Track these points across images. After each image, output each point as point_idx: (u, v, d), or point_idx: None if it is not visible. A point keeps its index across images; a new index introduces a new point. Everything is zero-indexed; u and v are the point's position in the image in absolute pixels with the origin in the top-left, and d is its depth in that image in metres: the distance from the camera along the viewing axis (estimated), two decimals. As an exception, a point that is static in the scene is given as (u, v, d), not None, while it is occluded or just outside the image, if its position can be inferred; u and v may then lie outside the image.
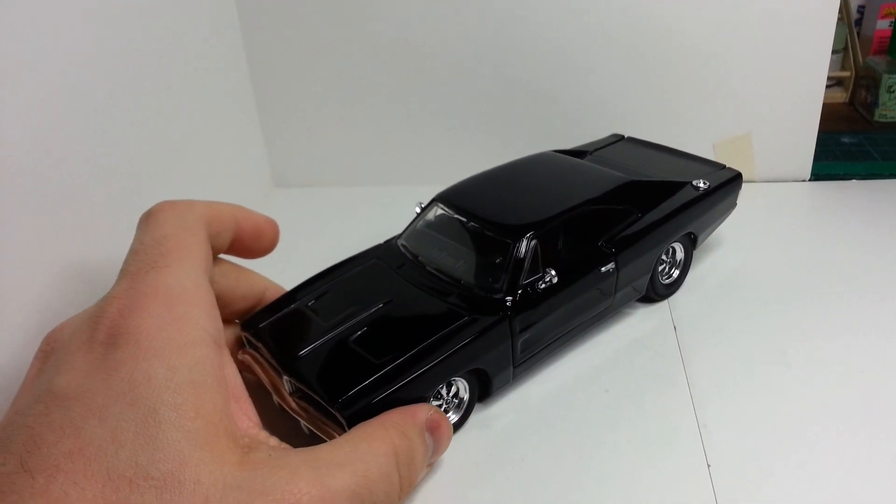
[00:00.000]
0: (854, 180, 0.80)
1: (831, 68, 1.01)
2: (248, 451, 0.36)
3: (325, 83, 0.80)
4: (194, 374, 0.35)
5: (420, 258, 0.55)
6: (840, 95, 1.03)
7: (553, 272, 0.51)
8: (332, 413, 0.44)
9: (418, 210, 0.59)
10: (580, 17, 0.74)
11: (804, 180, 0.80)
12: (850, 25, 1.02)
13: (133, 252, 0.41)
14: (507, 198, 0.56)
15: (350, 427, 0.43)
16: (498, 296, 0.50)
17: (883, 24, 1.01)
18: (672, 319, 0.59)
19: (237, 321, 0.53)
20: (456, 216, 0.56)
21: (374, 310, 0.50)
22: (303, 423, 0.47)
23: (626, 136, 0.73)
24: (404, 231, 0.59)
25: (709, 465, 0.46)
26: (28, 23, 0.49)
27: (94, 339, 0.36)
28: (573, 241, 0.54)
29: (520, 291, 0.50)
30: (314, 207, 0.82)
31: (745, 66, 0.75)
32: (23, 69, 0.49)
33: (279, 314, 0.52)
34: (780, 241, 0.69)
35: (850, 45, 1.01)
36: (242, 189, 0.80)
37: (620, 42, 0.75)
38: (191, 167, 0.71)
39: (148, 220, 0.43)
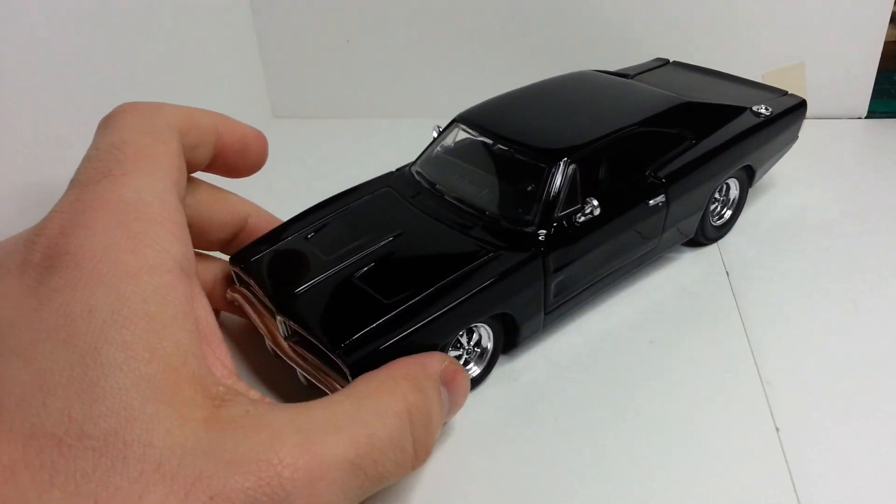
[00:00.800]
0: (914, 118, 0.73)
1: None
2: (221, 404, 0.28)
3: (326, 8, 0.72)
4: (150, 305, 0.27)
5: (438, 186, 0.48)
6: (892, 32, 0.95)
7: (595, 202, 0.43)
8: (333, 360, 0.37)
9: (435, 134, 0.51)
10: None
11: (860, 118, 0.73)
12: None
13: (86, 159, 0.33)
14: (541, 118, 0.48)
15: (354, 377, 0.35)
16: (529, 229, 0.43)
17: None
18: (724, 264, 0.52)
19: (223, 254, 0.46)
20: (480, 138, 0.48)
21: (383, 243, 0.43)
22: (299, 372, 0.40)
23: (671, 60, 0.65)
24: (419, 157, 0.51)
25: (777, 429, 0.39)
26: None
27: (28, 261, 0.28)
28: (618, 168, 0.46)
29: (555, 225, 0.43)
30: (315, 140, 0.75)
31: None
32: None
33: (274, 247, 0.44)
34: (837, 181, 0.62)
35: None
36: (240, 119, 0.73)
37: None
38: (187, 95, 0.64)
39: (107, 123, 0.35)
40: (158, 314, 0.28)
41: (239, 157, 0.42)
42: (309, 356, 0.39)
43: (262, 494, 0.25)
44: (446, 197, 0.47)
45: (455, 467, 0.38)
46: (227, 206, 0.44)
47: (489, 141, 0.47)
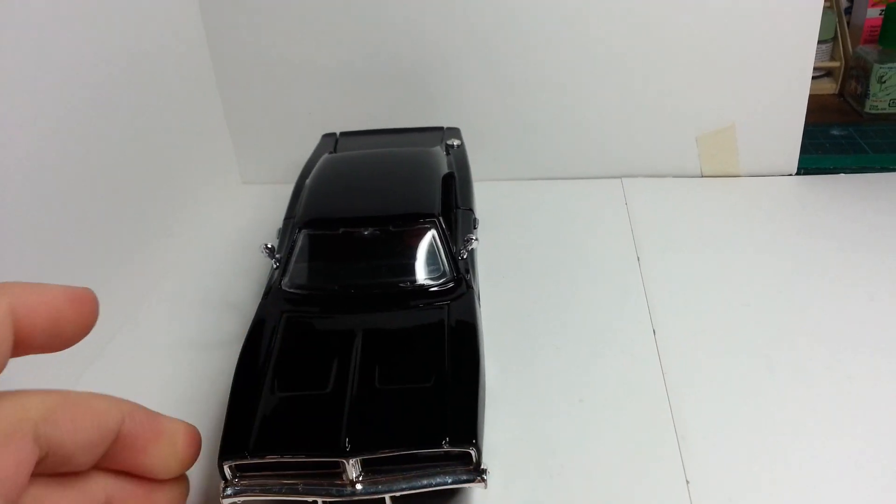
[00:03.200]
0: (843, 174, 0.77)
1: (820, 58, 0.98)
2: None
3: (292, 78, 0.77)
4: None
5: (334, 287, 0.49)
6: (829, 87, 1.00)
7: (474, 236, 0.51)
8: (442, 459, 0.39)
9: (266, 252, 0.51)
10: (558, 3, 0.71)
11: (791, 174, 0.77)
12: (840, 14, 0.99)
13: None
14: (373, 194, 0.54)
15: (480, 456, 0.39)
16: (451, 276, 0.49)
17: (874, 13, 0.98)
18: (651, 322, 0.56)
19: (221, 460, 0.39)
20: (339, 231, 0.50)
21: (358, 350, 0.43)
22: (388, 498, 0.39)
23: (338, 133, 0.73)
24: (279, 278, 0.50)
25: (688, 482, 0.43)
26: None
27: None
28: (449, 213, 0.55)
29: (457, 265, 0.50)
30: (284, 205, 0.79)
31: (728, 57, 0.72)
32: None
33: (260, 417, 0.40)
34: (765, 239, 0.66)
35: (839, 34, 0.98)
36: (210, 186, 0.77)
37: (597, 31, 0.72)
38: (158, 166, 0.68)
39: None
40: None
41: (51, 337, 0.33)
42: (401, 476, 0.39)
43: None
44: (353, 291, 0.48)
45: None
46: (89, 422, 0.32)
47: (352, 229, 0.50)
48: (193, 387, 0.53)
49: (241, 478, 0.39)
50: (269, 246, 0.51)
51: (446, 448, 0.38)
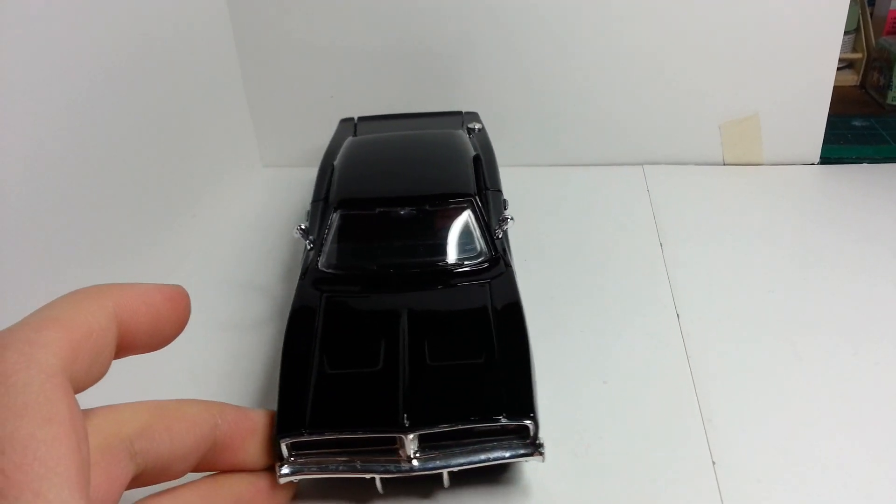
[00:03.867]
0: (865, 164, 0.77)
1: (843, 50, 0.98)
2: None
3: (313, 62, 0.77)
4: None
5: (373, 267, 0.49)
6: (851, 78, 1.00)
7: (508, 214, 0.51)
8: (501, 432, 0.39)
9: (299, 235, 0.50)
10: (582, -8, 0.71)
11: (813, 164, 0.77)
12: (863, 5, 0.98)
13: None
14: (403, 177, 0.54)
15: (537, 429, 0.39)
16: (488, 255, 0.49)
17: (897, 4, 0.97)
18: (675, 307, 0.56)
19: (279, 437, 0.38)
20: (379, 210, 0.50)
21: (406, 329, 0.43)
22: (446, 473, 0.40)
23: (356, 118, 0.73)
24: (313, 260, 0.49)
25: (714, 463, 0.43)
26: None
27: None
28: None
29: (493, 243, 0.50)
30: (304, 188, 0.79)
31: (753, 46, 0.72)
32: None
33: (315, 396, 0.40)
34: (788, 227, 0.66)
35: (862, 25, 0.98)
36: (232, 169, 0.77)
37: (621, 17, 0.72)
38: (180, 148, 0.69)
39: None
40: None
41: (151, 338, 0.33)
42: (457, 451, 0.39)
43: None
44: (393, 270, 0.48)
45: None
46: (184, 431, 0.33)
47: (388, 209, 0.50)
48: (225, 369, 0.53)
49: (297, 456, 0.39)
50: (304, 227, 0.50)
51: (504, 422, 0.38)
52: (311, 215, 0.55)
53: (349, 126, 0.71)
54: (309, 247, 0.51)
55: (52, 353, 0.26)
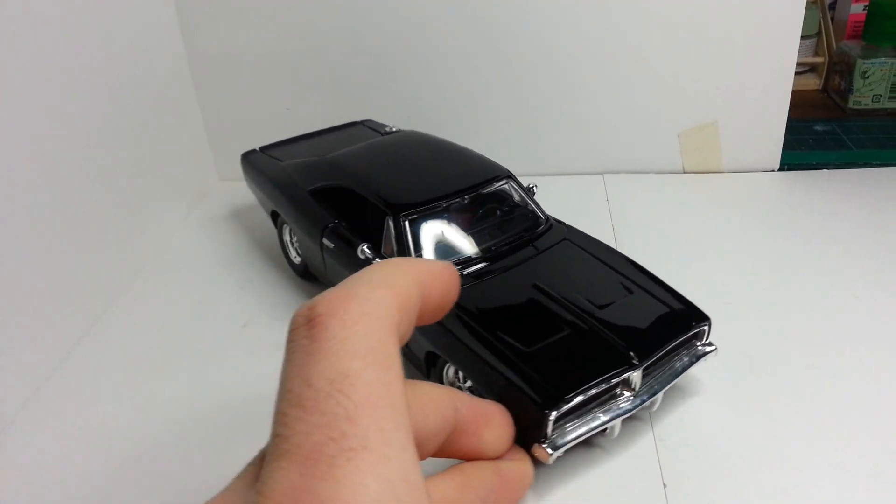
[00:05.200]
0: (825, 170, 0.77)
1: (804, 54, 0.98)
2: None
3: (267, 75, 0.76)
4: None
5: (473, 255, 0.50)
6: (813, 82, 1.00)
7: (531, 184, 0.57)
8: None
9: (368, 254, 0.50)
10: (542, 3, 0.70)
11: (773, 170, 0.77)
12: (824, 9, 0.98)
13: (294, 402, 0.24)
14: (430, 173, 0.55)
15: None
16: (543, 218, 0.54)
17: (857, 8, 0.97)
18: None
19: (544, 413, 0.39)
20: (442, 206, 0.51)
21: (550, 294, 0.46)
22: (660, 397, 0.44)
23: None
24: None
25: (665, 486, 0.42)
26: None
27: None
28: None
29: None
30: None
31: (711, 53, 0.72)
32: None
33: (539, 374, 0.41)
34: (747, 234, 0.66)
35: (823, 29, 0.98)
36: (187, 183, 0.76)
37: (579, 30, 0.71)
38: (137, 166, 0.67)
39: (313, 335, 0.26)
40: None
41: (437, 310, 0.34)
42: (663, 372, 0.45)
43: None
44: (491, 252, 0.51)
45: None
46: (434, 410, 0.34)
47: (447, 202, 0.51)
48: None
49: (554, 431, 0.40)
50: (368, 247, 0.50)
51: (697, 329, 0.45)
52: (322, 235, 0.55)
53: (255, 157, 0.68)
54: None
55: (388, 309, 0.28)
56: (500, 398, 0.40)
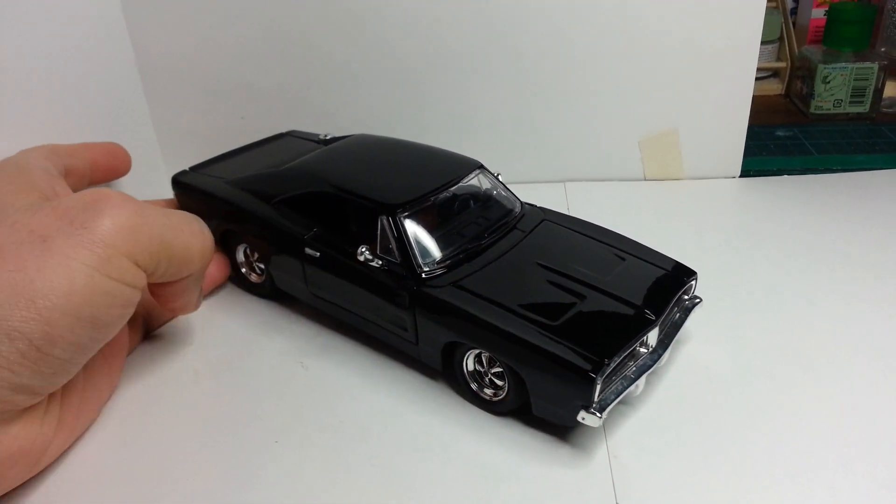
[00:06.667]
0: (786, 176, 0.77)
1: (766, 59, 0.98)
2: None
3: (221, 90, 0.75)
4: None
5: (470, 245, 0.51)
6: (776, 87, 1.00)
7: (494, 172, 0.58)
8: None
9: (367, 255, 0.50)
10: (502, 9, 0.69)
11: (734, 177, 0.76)
12: (786, 14, 0.98)
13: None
14: (406, 172, 0.55)
15: None
16: (519, 201, 0.57)
17: (819, 13, 0.98)
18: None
19: (594, 377, 0.42)
20: (433, 200, 0.52)
21: (553, 272, 0.49)
22: (668, 353, 0.48)
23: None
24: (410, 271, 0.49)
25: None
26: None
27: None
28: None
29: None
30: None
31: (671, 60, 0.71)
32: None
33: (573, 343, 0.43)
34: (707, 242, 0.65)
35: (785, 34, 0.98)
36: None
37: (538, 38, 0.71)
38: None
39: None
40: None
41: (111, 170, 0.60)
42: (669, 326, 0.50)
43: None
44: (485, 239, 0.52)
45: None
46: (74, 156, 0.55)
47: (437, 196, 0.52)
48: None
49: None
50: (365, 249, 0.50)
51: (687, 283, 0.50)
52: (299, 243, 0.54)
53: (191, 177, 0.64)
54: (378, 263, 0.49)
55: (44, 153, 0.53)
56: (538, 371, 0.43)
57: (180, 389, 0.51)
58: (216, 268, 0.60)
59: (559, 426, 0.46)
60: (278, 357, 0.53)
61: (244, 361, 0.53)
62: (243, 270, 0.61)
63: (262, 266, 0.59)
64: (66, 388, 0.44)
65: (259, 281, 0.60)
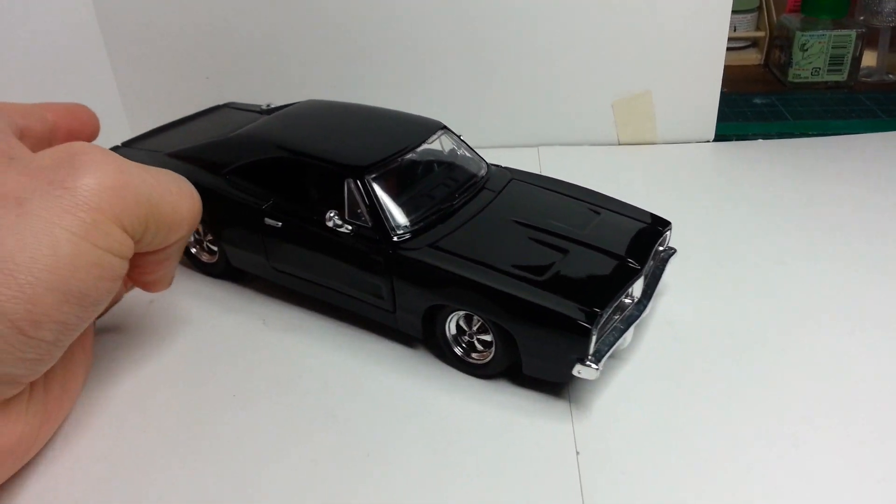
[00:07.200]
0: (760, 140, 0.76)
1: (745, 28, 0.97)
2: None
3: (185, 48, 0.73)
4: None
5: (443, 206, 0.50)
6: (755, 57, 0.99)
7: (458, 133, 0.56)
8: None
9: (337, 220, 0.48)
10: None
11: (708, 141, 0.76)
12: (764, -17, 0.97)
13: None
14: (367, 135, 0.53)
15: None
16: (484, 161, 0.56)
17: (797, -18, 0.97)
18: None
19: (590, 329, 0.41)
20: (401, 161, 0.50)
21: (533, 228, 0.48)
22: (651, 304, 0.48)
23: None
24: (383, 234, 0.47)
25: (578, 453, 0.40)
26: None
27: None
28: None
29: None
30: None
31: (644, 22, 0.70)
32: None
33: (563, 295, 0.42)
34: (680, 205, 0.64)
35: (763, 3, 0.97)
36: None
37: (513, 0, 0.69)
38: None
39: None
40: None
41: (73, 136, 0.47)
42: (650, 278, 0.49)
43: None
44: (456, 200, 0.50)
45: None
46: (33, 115, 0.45)
47: (403, 158, 0.50)
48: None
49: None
50: (334, 213, 0.47)
51: (663, 232, 0.50)
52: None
53: (126, 153, 0.59)
54: (348, 229, 0.47)
55: None
56: (531, 327, 0.42)
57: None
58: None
59: (549, 383, 0.45)
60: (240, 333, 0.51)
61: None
62: (193, 251, 0.57)
63: (215, 244, 0.56)
64: (48, 374, 0.39)
65: (211, 260, 0.57)
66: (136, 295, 0.50)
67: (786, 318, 0.50)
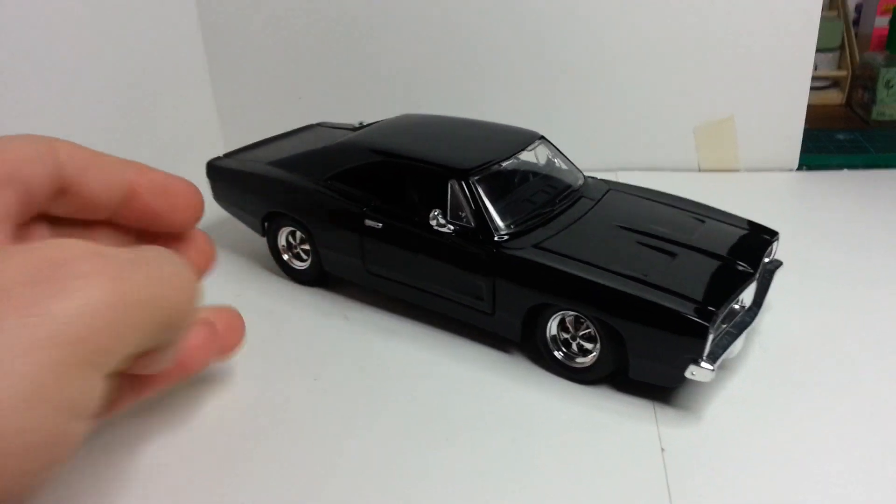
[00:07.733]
0: (845, 170, 0.75)
1: (827, 67, 0.97)
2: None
3: (282, 69, 0.77)
4: None
5: (545, 210, 0.50)
6: (836, 97, 0.98)
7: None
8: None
9: (440, 219, 0.48)
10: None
11: (791, 169, 0.75)
12: (847, 23, 0.97)
13: None
14: (468, 142, 0.54)
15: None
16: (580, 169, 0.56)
17: (882, 21, 0.96)
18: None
19: (707, 327, 0.40)
20: (503, 166, 0.51)
21: (639, 233, 0.48)
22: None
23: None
24: (487, 236, 0.47)
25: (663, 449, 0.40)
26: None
27: None
28: None
29: None
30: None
31: (729, 48, 0.71)
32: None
33: (677, 295, 0.41)
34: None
35: (846, 42, 0.97)
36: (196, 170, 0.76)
37: (597, 27, 0.71)
38: (148, 144, 0.67)
39: None
40: None
41: (160, 213, 0.39)
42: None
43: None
44: (557, 205, 0.51)
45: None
46: (101, 170, 0.37)
47: (505, 162, 0.51)
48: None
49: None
50: (437, 212, 0.48)
51: (772, 241, 0.49)
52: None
53: (229, 162, 0.62)
54: (450, 229, 0.48)
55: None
56: (643, 326, 0.41)
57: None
58: (232, 331, 0.43)
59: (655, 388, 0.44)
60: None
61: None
62: (286, 257, 0.58)
63: (307, 250, 0.57)
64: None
65: (303, 267, 0.58)
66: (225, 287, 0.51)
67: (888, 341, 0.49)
